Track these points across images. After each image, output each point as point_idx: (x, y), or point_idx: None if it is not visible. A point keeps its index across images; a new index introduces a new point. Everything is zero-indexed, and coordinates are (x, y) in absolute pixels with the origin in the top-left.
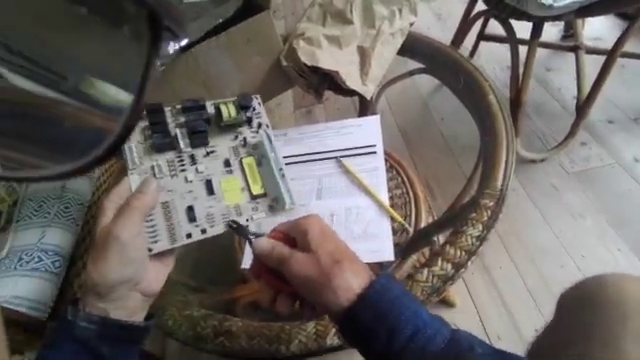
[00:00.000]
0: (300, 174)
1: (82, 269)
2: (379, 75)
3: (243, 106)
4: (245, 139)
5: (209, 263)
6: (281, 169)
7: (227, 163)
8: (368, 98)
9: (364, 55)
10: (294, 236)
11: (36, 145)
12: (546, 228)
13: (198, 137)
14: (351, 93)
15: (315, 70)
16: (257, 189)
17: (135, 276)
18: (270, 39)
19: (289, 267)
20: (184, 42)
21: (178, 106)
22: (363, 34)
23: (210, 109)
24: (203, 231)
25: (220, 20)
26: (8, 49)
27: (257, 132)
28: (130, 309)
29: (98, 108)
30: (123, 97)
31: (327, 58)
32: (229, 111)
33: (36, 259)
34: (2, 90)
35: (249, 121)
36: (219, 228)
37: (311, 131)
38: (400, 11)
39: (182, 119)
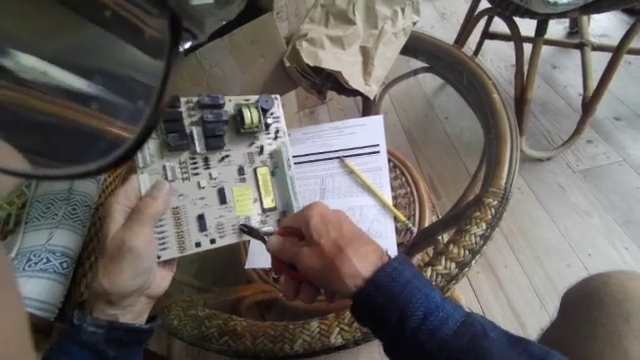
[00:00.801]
0: (304, 174)
1: (89, 270)
2: (382, 75)
3: (264, 109)
4: (262, 147)
5: (214, 264)
6: (294, 183)
7: (241, 171)
8: (371, 98)
9: (367, 55)
10: (300, 228)
11: (60, 147)
12: (552, 227)
13: (215, 140)
14: (354, 93)
15: (318, 71)
16: (269, 202)
17: (146, 283)
18: (273, 40)
19: (298, 261)
20: (187, 44)
21: (194, 99)
22: (366, 34)
23: (229, 108)
24: (212, 241)
25: (224, 22)
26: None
27: (275, 139)
28: (136, 312)
29: (119, 110)
30: (144, 98)
31: (330, 59)
32: (252, 117)
33: (44, 260)
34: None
35: (267, 126)
36: (228, 239)
37: (314, 131)
38: (403, 11)
39: (198, 116)
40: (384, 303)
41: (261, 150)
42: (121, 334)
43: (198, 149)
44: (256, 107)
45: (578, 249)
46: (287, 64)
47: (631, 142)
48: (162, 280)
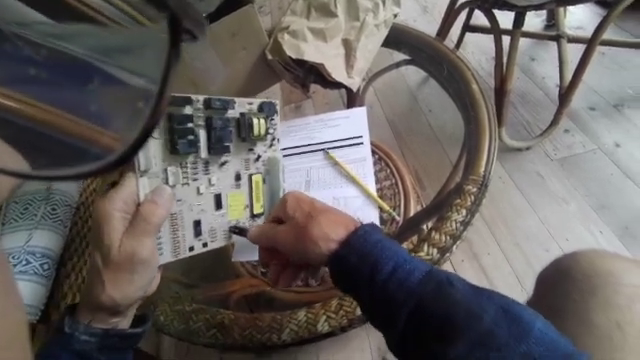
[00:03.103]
0: (288, 167)
1: (71, 271)
2: (364, 67)
3: (267, 117)
4: (259, 155)
5: (201, 259)
6: (284, 190)
7: (238, 177)
8: (354, 90)
9: (349, 48)
10: (280, 216)
11: (60, 149)
12: (532, 214)
13: (220, 146)
14: (337, 86)
15: (301, 63)
16: (258, 208)
17: (149, 289)
18: (255, 33)
19: (276, 241)
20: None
21: (200, 97)
22: (347, 27)
23: (233, 113)
24: (204, 245)
25: (204, 15)
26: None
27: (270, 147)
28: (130, 316)
29: (119, 110)
30: (143, 99)
31: (312, 51)
32: (260, 127)
33: (24, 262)
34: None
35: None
36: (219, 242)
37: (299, 124)
38: (384, 2)
39: (203, 117)
40: (356, 262)
41: (257, 157)
42: (115, 341)
43: (203, 154)
44: (265, 118)
45: (556, 235)
46: (269, 57)
47: (605, 131)
48: (155, 281)
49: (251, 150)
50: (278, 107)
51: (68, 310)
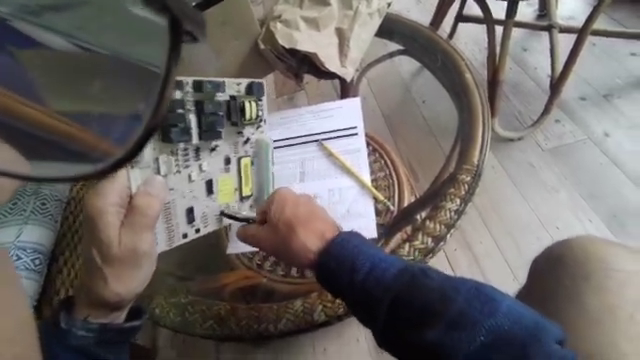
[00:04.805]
0: (283, 158)
1: (64, 266)
2: (358, 57)
3: (257, 100)
4: (248, 138)
5: (196, 252)
6: (274, 179)
7: (227, 161)
8: (348, 80)
9: (342, 37)
10: (265, 215)
11: (62, 150)
12: (523, 203)
13: (211, 132)
14: (331, 76)
15: (294, 53)
16: (247, 190)
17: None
18: (247, 22)
19: (258, 243)
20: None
21: (189, 79)
22: (340, 15)
23: (223, 96)
24: (197, 230)
25: (193, 3)
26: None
27: (257, 128)
28: (127, 309)
29: (119, 111)
30: (144, 100)
31: (305, 40)
32: (251, 111)
33: (14, 257)
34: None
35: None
36: (211, 227)
37: (292, 115)
38: None
39: (193, 100)
40: (335, 267)
41: (246, 140)
42: (112, 335)
43: (194, 141)
44: (255, 100)
45: (547, 223)
46: (262, 46)
47: (595, 121)
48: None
49: (240, 133)
50: (265, 87)
51: (63, 305)
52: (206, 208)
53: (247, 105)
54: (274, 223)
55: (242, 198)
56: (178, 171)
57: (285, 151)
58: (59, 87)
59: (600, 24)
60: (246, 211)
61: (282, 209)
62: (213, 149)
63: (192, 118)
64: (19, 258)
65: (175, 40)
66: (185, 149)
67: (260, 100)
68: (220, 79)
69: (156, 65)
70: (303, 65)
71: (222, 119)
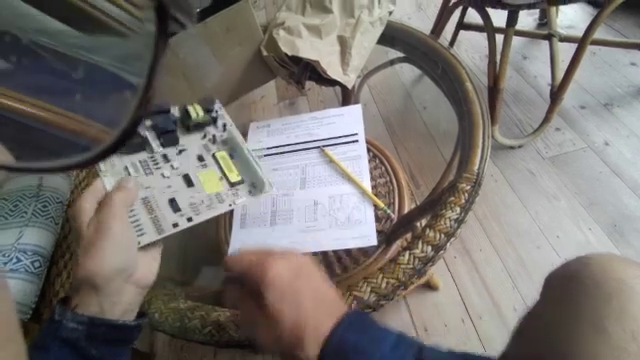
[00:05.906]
0: (284, 164)
1: (63, 268)
2: (360, 65)
3: (207, 109)
4: (214, 136)
5: (195, 257)
6: (254, 157)
7: (200, 158)
8: (349, 88)
9: (344, 45)
10: (252, 282)
11: (46, 141)
12: (523, 211)
13: (168, 137)
14: (332, 83)
15: (296, 60)
16: (234, 177)
17: (128, 265)
18: (250, 28)
19: (259, 335)
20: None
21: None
22: (343, 23)
23: (175, 112)
24: (189, 219)
25: (198, 9)
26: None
27: (224, 130)
28: (125, 304)
29: (106, 101)
30: (131, 90)
31: (308, 48)
32: (197, 111)
33: (14, 260)
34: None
35: (214, 121)
36: (205, 215)
37: (294, 121)
38: (379, 0)
39: (149, 122)
40: None
41: (214, 139)
42: (103, 330)
43: (154, 147)
44: (198, 104)
45: (547, 231)
46: (264, 53)
47: (595, 129)
48: (149, 268)
49: (205, 136)
50: (219, 105)
51: (62, 299)
52: (191, 198)
53: (190, 108)
54: (274, 322)
55: (232, 185)
56: (150, 173)
57: (287, 157)
58: (46, 74)
59: (600, 34)
60: (245, 197)
61: (281, 305)
62: (180, 152)
63: (147, 133)
64: (19, 260)
65: (162, 27)
66: (152, 157)
67: (210, 109)
68: (165, 103)
69: (144, 52)
70: (305, 72)
71: (170, 121)
